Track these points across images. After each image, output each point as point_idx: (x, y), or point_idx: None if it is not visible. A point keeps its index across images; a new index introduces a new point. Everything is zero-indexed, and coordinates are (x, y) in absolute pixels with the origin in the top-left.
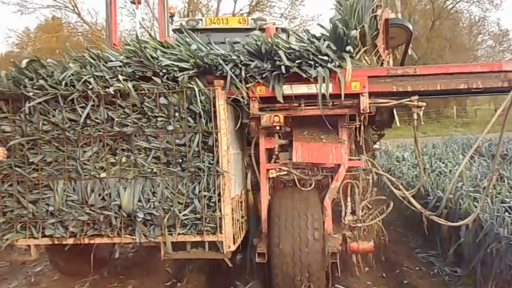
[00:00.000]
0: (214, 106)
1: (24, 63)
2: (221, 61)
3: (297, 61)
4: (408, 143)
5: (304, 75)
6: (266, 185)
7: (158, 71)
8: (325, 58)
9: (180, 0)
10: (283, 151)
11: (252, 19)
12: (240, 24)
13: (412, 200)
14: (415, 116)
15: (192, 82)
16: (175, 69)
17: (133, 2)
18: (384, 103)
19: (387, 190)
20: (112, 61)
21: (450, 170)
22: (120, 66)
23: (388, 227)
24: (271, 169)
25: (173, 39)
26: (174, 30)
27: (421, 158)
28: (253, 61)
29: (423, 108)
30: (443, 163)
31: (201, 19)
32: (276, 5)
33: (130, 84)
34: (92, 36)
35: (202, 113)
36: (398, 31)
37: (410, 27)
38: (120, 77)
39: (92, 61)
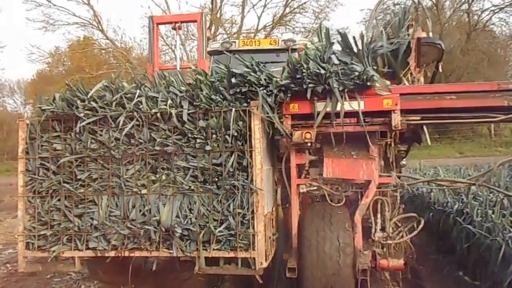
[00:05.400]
0: (250, 127)
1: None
2: None
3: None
4: (458, 164)
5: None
6: (297, 200)
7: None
8: (264, 90)
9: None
10: (313, 167)
11: (282, 40)
12: (271, 46)
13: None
14: None
15: (231, 104)
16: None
17: (174, 29)
18: (417, 120)
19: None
20: (173, 86)
21: None
22: (180, 92)
23: None
24: (302, 184)
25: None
26: (209, 52)
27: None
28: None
29: None
30: None
31: (234, 42)
32: (300, 21)
33: (173, 110)
34: (117, 53)
35: (237, 133)
36: (430, 49)
37: (442, 45)
38: (170, 101)
39: (157, 80)
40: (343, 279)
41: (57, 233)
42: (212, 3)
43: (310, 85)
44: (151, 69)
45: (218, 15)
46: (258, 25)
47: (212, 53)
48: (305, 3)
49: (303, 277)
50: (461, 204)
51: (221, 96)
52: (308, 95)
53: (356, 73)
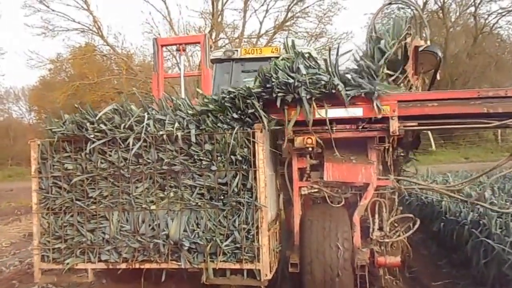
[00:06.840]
0: (254, 149)
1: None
2: None
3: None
4: (464, 169)
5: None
6: (299, 202)
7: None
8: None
9: (202, 20)
10: (314, 170)
11: (284, 48)
12: (273, 53)
13: (451, 194)
14: None
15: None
16: None
17: (178, 50)
18: (414, 126)
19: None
20: (180, 109)
21: None
22: (187, 115)
23: None
24: (303, 186)
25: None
26: (212, 61)
27: None
28: None
29: None
30: None
31: (237, 50)
32: (302, 26)
33: (179, 133)
34: (118, 59)
35: (242, 158)
36: (428, 57)
37: (440, 53)
38: (177, 124)
39: (165, 103)
40: (342, 273)
41: (71, 246)
42: (212, 8)
43: (280, 94)
44: (156, 77)
45: (219, 20)
46: (260, 30)
47: (215, 61)
48: (307, 7)
49: (305, 271)
50: (476, 215)
51: (226, 124)
52: (278, 104)
53: (323, 82)
